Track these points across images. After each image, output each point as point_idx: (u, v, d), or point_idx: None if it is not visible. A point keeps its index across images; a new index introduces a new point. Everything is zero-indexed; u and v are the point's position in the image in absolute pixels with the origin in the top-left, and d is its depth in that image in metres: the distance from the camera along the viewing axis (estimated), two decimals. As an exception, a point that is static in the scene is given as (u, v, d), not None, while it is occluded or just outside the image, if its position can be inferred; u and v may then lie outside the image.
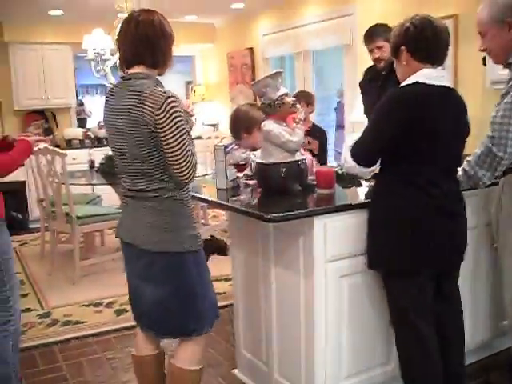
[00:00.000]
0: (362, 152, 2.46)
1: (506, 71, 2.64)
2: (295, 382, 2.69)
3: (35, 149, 2.88)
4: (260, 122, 3.17)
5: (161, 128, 2.14)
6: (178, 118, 2.16)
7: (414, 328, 2.45)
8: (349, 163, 2.55)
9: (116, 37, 2.41)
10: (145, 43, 2.23)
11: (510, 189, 2.68)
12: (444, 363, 2.51)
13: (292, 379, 2.71)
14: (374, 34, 3.78)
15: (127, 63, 2.30)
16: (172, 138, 2.15)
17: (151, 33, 2.23)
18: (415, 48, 2.39)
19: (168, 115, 2.13)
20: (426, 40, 2.37)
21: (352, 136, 2.56)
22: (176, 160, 2.18)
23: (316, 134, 4.56)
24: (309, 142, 4.07)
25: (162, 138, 2.15)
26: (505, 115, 2.48)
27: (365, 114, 4.27)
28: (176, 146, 2.16)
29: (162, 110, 2.12)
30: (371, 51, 3.84)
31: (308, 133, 3.92)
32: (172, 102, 2.15)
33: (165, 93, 2.16)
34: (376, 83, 3.95)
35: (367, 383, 2.74)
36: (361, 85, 4.27)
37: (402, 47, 2.42)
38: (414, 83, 2.37)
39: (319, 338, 2.53)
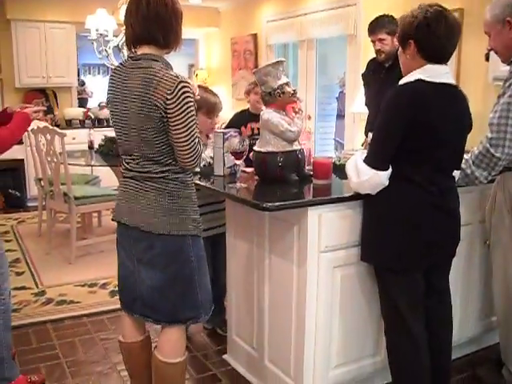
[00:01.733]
0: (375, 156, 2.36)
1: (508, 68, 2.66)
2: (285, 370, 2.71)
3: (33, 126, 2.84)
4: (208, 105, 3.13)
5: (171, 112, 2.11)
6: (189, 104, 2.14)
7: (405, 322, 2.46)
8: (353, 183, 2.44)
9: (122, 17, 2.35)
10: (157, 23, 2.19)
11: (504, 187, 2.71)
12: (431, 357, 2.53)
13: (282, 366, 2.74)
14: (376, 26, 3.78)
15: (137, 42, 2.24)
16: (181, 123, 2.13)
17: (163, 12, 2.19)
18: (424, 46, 2.32)
19: (180, 100, 2.11)
20: (437, 39, 2.30)
21: (356, 156, 2.46)
22: (183, 146, 2.16)
23: None
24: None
25: (172, 123, 2.13)
26: (502, 116, 2.52)
27: (366, 105, 4.28)
28: (184, 131, 2.14)
29: (174, 94, 2.10)
30: (373, 42, 3.84)
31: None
32: (184, 86, 2.12)
33: (177, 77, 2.13)
34: (378, 75, 3.95)
35: (356, 373, 2.77)
36: (363, 76, 4.27)
37: (411, 41, 2.34)
38: (416, 80, 2.31)
39: (310, 327, 2.55)
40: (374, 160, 2.35)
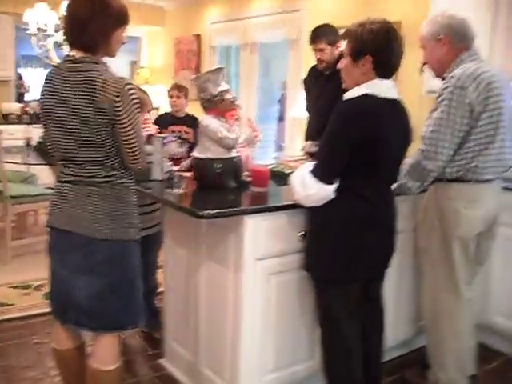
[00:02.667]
0: (323, 170, 2.36)
1: (441, 81, 2.78)
2: (221, 374, 2.74)
3: None
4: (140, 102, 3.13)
5: (120, 115, 2.11)
6: (136, 105, 2.15)
7: (341, 331, 2.51)
8: (299, 195, 2.43)
9: (62, 12, 2.31)
10: (73, 24, 2.15)
11: (434, 198, 2.82)
12: (364, 362, 2.60)
13: (218, 371, 2.76)
14: (317, 35, 3.83)
15: (69, 44, 2.22)
16: (130, 124, 2.14)
17: (80, 12, 2.12)
18: (381, 63, 2.34)
19: (127, 102, 2.11)
20: (394, 57, 2.34)
21: (303, 170, 2.45)
22: (131, 146, 2.17)
23: (190, 122, 4.56)
24: (185, 132, 4.13)
25: (120, 125, 2.13)
26: (434, 130, 2.63)
27: (306, 110, 4.35)
28: (133, 133, 2.15)
29: (121, 96, 2.09)
30: (314, 51, 3.91)
31: (182, 122, 4.03)
32: (130, 88, 2.13)
33: (122, 79, 2.13)
34: (319, 82, 4.02)
35: (291, 377, 2.82)
36: (305, 82, 4.34)
37: (368, 56, 2.32)
38: (363, 95, 2.32)
39: (245, 333, 2.58)
40: (322, 174, 2.34)
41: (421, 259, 2.99)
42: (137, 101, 2.16)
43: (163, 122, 4.05)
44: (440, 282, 2.85)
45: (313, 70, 4.22)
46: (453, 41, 2.73)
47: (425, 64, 2.92)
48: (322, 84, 3.95)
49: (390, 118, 2.36)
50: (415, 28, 4.44)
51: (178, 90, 4.49)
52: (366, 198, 2.38)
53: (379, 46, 2.31)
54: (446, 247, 2.79)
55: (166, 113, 4.33)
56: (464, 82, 2.61)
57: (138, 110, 2.17)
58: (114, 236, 2.23)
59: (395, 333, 3.22)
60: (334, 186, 2.35)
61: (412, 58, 4.51)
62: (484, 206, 2.78)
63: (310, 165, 2.44)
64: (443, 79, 2.78)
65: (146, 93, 3.36)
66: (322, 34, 3.81)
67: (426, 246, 2.90)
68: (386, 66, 2.37)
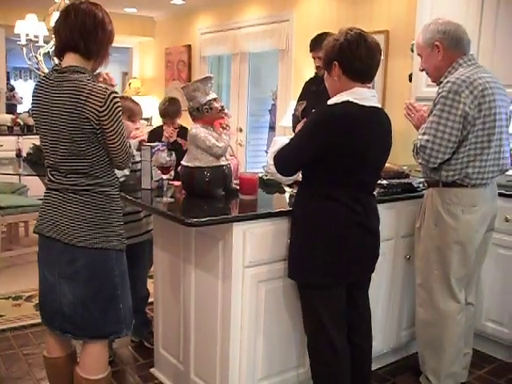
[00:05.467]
0: (283, 163, 2.47)
1: (430, 89, 2.82)
2: (210, 383, 2.73)
3: None
4: (130, 111, 3.19)
5: (105, 124, 2.15)
6: (120, 113, 2.20)
7: (328, 336, 2.51)
8: (271, 168, 2.55)
9: (53, 24, 2.35)
10: (81, 30, 2.20)
11: (431, 204, 2.84)
12: (353, 367, 2.60)
13: (207, 379, 2.76)
14: (316, 43, 3.83)
15: (61, 50, 2.25)
16: (115, 133, 2.19)
17: (90, 22, 2.20)
18: (347, 66, 2.39)
19: (112, 111, 2.15)
20: (359, 58, 2.37)
21: (278, 142, 2.57)
22: (117, 151, 2.25)
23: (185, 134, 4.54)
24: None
25: (106, 134, 2.18)
26: (429, 136, 2.68)
27: (293, 115, 4.34)
28: (118, 139, 2.21)
29: (106, 106, 2.13)
30: (314, 59, 3.93)
31: (178, 134, 4.08)
32: (114, 97, 2.16)
33: (107, 89, 2.16)
34: (317, 90, 4.03)
35: (280, 385, 2.82)
36: (305, 86, 4.30)
37: (335, 62, 2.41)
38: (344, 102, 2.36)
39: (234, 340, 2.58)
40: (281, 167, 2.49)
41: (416, 263, 3.00)
42: (120, 108, 2.20)
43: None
44: (436, 286, 2.86)
45: (314, 78, 4.20)
46: (448, 46, 2.76)
47: (422, 71, 2.95)
48: (321, 90, 3.95)
49: (370, 125, 2.39)
50: (403, 36, 4.52)
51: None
52: (343, 204, 2.41)
53: (341, 51, 2.40)
54: (443, 252, 2.81)
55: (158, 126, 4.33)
56: (458, 87, 2.64)
57: (121, 117, 2.22)
58: (92, 244, 2.25)
59: (387, 339, 3.23)
60: (289, 178, 2.55)
61: (401, 65, 4.59)
62: (482, 210, 2.81)
63: (286, 139, 2.56)
64: (439, 84, 2.81)
65: (136, 103, 3.39)
66: (321, 42, 3.82)
67: (423, 250, 2.91)
68: (355, 69, 2.41)
